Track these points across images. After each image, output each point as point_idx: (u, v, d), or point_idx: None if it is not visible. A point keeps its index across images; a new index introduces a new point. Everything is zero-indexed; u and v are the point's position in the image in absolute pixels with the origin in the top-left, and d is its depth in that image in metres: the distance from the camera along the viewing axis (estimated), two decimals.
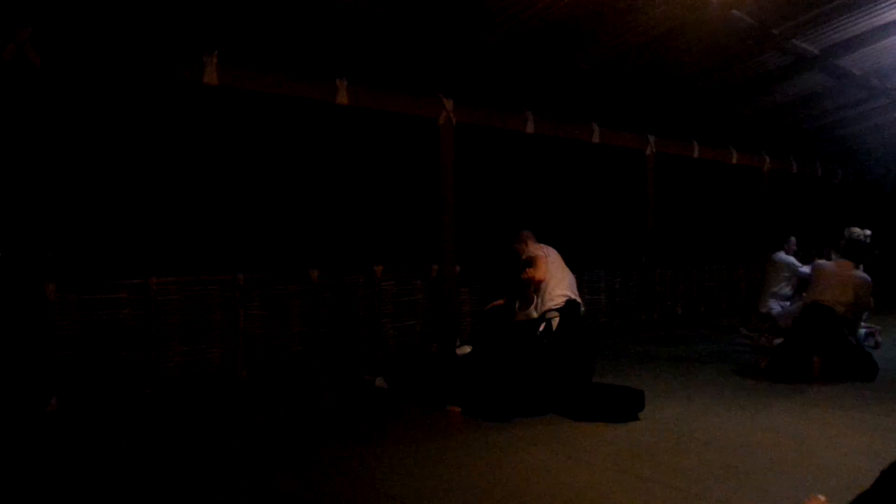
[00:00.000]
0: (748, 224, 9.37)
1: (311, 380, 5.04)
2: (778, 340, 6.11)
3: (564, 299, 4.50)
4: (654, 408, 4.18)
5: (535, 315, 4.50)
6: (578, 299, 4.64)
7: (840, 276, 5.45)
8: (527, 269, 4.52)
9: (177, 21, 4.45)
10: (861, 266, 5.70)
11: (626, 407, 4.03)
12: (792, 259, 7.27)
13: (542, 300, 4.49)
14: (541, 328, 4.40)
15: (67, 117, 4.20)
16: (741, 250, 9.13)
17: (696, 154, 8.29)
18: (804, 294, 6.07)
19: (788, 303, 7.06)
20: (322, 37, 5.03)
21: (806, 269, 6.87)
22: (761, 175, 9.47)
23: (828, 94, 8.30)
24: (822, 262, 5.98)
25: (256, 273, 4.88)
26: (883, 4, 6.00)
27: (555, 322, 4.39)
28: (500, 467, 3.16)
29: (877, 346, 6.37)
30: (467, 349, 4.77)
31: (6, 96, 3.94)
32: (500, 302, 4.80)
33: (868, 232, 6.60)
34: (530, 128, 6.43)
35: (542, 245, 4.80)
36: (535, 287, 4.49)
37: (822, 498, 2.44)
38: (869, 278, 5.54)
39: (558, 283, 4.54)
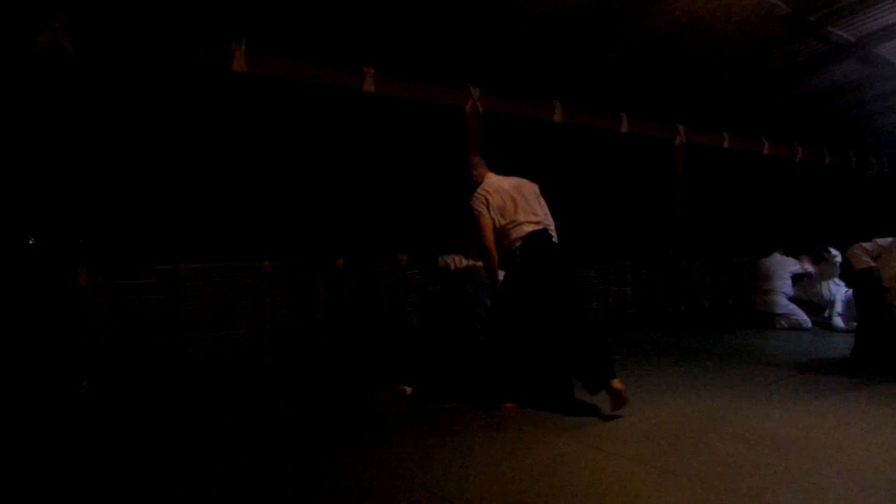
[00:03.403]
0: (779, 217, 9.21)
1: (335, 367, 5.07)
2: None
3: (528, 231, 3.86)
4: (682, 401, 4.13)
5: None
6: (552, 230, 3.99)
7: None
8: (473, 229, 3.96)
9: (206, 9, 4.47)
10: None
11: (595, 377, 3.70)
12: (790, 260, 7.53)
13: (503, 245, 3.93)
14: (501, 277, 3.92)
15: (100, 104, 4.26)
16: (771, 243, 8.97)
17: (726, 144, 8.16)
18: None
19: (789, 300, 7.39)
20: (349, 24, 5.02)
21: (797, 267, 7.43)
22: (793, 166, 9.29)
23: (863, 83, 8.10)
24: None
25: (283, 261, 4.92)
26: None
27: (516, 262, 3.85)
28: (527, 457, 3.14)
29: None
30: None
31: (40, 83, 4.00)
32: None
33: None
34: (558, 117, 6.37)
35: (500, 180, 4.03)
36: (484, 252, 3.92)
37: None
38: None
39: (521, 224, 3.88)
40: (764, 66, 7.23)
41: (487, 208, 3.89)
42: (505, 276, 3.93)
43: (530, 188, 4.05)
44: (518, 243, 3.85)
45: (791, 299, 7.39)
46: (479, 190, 3.98)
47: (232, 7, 4.53)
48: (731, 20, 5.93)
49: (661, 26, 5.92)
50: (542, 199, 4.09)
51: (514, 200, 3.92)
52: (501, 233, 3.90)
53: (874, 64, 7.46)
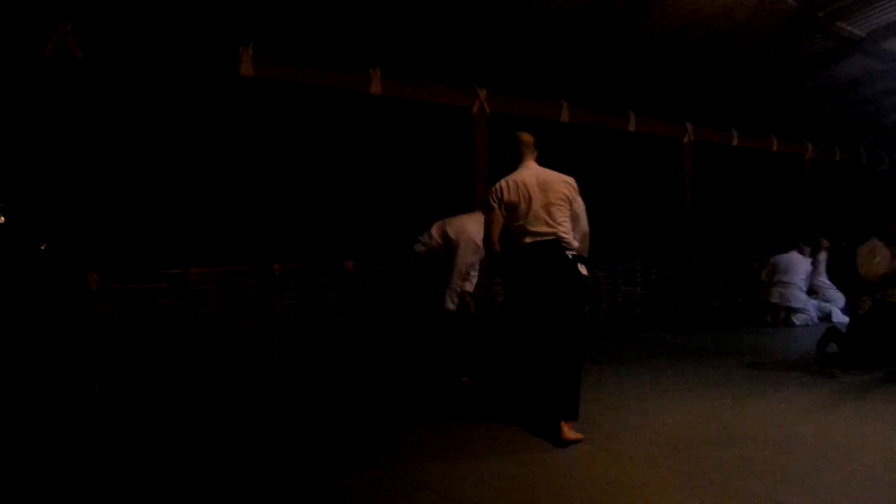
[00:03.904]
0: (789, 214, 9.15)
1: (345, 369, 5.08)
2: None
3: (529, 241, 3.62)
4: (691, 401, 4.11)
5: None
6: (567, 241, 3.64)
7: None
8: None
9: (213, 13, 4.49)
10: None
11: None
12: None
13: (510, 245, 3.78)
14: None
15: (109, 110, 4.29)
16: (781, 241, 8.92)
17: (735, 142, 8.11)
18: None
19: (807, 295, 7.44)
20: (356, 27, 5.03)
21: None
22: (803, 163, 9.23)
23: (873, 78, 8.02)
24: None
25: (292, 264, 4.93)
26: None
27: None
28: (538, 460, 3.14)
29: None
30: None
31: (49, 90, 4.03)
32: None
33: None
34: (565, 116, 6.35)
35: (529, 175, 3.75)
36: (486, 245, 3.81)
37: None
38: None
39: (526, 234, 3.64)
40: (772, 62, 7.19)
41: (499, 204, 3.70)
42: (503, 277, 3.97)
43: (558, 191, 3.67)
44: (517, 249, 3.69)
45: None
46: (499, 182, 3.80)
47: (239, 12, 4.55)
48: (738, 17, 5.90)
49: (668, 24, 5.90)
50: (575, 202, 3.77)
51: (529, 202, 3.63)
52: (510, 232, 3.75)
53: (883, 59, 7.39)
